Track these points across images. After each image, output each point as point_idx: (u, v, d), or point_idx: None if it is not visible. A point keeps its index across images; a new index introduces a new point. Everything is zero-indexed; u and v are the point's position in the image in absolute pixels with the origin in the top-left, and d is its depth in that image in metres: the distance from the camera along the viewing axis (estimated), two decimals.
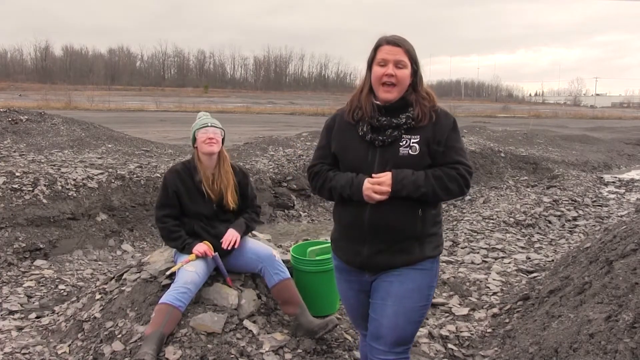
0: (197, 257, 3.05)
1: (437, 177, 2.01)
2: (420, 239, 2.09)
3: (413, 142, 2.03)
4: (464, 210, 8.11)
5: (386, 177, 1.98)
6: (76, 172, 6.21)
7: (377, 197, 1.99)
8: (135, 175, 6.64)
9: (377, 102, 2.09)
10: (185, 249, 3.09)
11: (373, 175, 2.02)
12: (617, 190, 9.77)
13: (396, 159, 2.03)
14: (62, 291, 4.43)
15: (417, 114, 2.05)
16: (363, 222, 2.07)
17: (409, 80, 2.07)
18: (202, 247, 3.06)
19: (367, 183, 2.00)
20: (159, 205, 3.16)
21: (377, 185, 1.98)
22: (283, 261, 3.25)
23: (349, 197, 2.06)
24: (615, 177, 11.29)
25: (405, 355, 2.14)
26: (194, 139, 3.17)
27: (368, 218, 2.06)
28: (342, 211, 2.17)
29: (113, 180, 6.34)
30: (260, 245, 3.29)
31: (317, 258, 3.31)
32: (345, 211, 2.15)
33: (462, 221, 7.08)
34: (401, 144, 2.04)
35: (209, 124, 3.14)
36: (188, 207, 3.14)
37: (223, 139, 3.23)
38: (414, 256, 2.09)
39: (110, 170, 6.61)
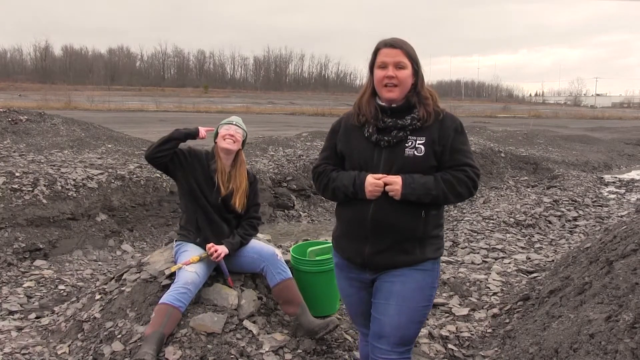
0: (201, 258, 3.05)
1: (446, 180, 2.04)
2: (422, 240, 2.10)
3: (419, 144, 2.05)
4: (464, 211, 8.11)
5: (397, 178, 2.01)
6: (76, 172, 6.20)
7: (377, 193, 2.02)
8: (135, 176, 6.64)
9: (382, 104, 2.11)
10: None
11: (381, 176, 2.04)
12: (618, 190, 9.78)
13: (401, 160, 2.05)
14: (62, 291, 4.42)
15: (422, 114, 2.07)
16: (366, 221, 2.08)
17: (410, 81, 2.09)
18: (190, 257, 3.04)
19: (370, 178, 2.03)
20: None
21: (389, 184, 2.01)
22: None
23: (353, 195, 2.08)
24: (616, 177, 11.29)
25: (407, 356, 2.15)
26: (216, 134, 3.22)
27: (371, 217, 2.07)
28: (345, 209, 2.18)
29: (113, 181, 6.33)
30: (263, 245, 3.29)
31: (317, 258, 3.31)
32: (348, 209, 2.16)
33: (462, 221, 7.07)
34: (407, 145, 2.06)
35: (234, 122, 3.21)
36: (195, 188, 3.14)
37: (244, 142, 3.26)
38: (414, 257, 2.10)
39: (110, 170, 6.61)
